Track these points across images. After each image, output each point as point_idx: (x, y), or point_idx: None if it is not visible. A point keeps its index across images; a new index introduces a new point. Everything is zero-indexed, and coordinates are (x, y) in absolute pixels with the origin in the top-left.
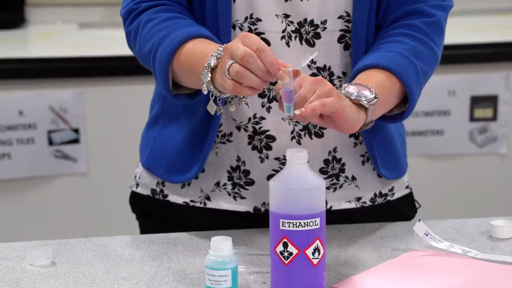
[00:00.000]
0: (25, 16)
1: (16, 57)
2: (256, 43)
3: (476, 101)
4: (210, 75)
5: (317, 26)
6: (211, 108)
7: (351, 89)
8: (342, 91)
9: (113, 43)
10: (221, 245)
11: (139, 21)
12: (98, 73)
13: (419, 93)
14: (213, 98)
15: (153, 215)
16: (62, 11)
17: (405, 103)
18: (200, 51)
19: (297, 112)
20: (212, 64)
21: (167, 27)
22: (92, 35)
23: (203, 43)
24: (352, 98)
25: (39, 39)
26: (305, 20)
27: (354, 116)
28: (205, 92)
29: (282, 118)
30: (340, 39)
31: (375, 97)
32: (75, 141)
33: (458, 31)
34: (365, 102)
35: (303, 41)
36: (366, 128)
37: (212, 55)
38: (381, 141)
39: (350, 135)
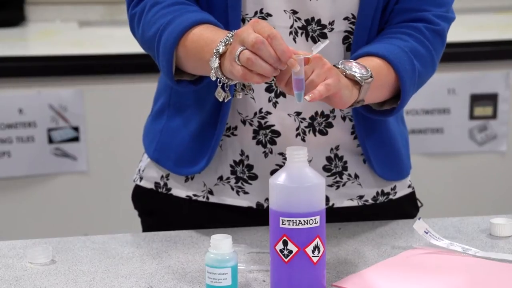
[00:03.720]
0: (25, 14)
1: (16, 55)
2: (267, 30)
3: (476, 99)
4: (218, 61)
5: (324, 26)
6: (219, 94)
7: (349, 64)
8: (339, 66)
9: (113, 41)
10: (221, 243)
11: (144, 4)
12: (98, 71)
13: (412, 91)
14: (221, 84)
15: (156, 211)
16: (61, 9)
17: (397, 100)
18: (208, 37)
19: (307, 98)
20: (220, 51)
21: (174, 11)
22: (91, 33)
23: (210, 29)
24: (348, 73)
25: (39, 37)
26: (313, 18)
27: (348, 94)
28: (213, 79)
29: (288, 114)
30: (344, 40)
31: (371, 76)
32: (75, 139)
33: (458, 29)
34: (359, 78)
35: (309, 38)
36: (356, 106)
37: (221, 41)
38: (378, 143)
39: (355, 137)
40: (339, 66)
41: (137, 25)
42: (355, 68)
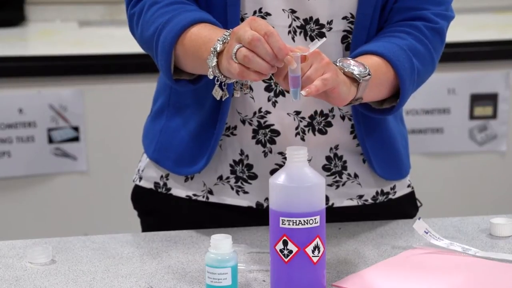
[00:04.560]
0: (25, 14)
1: (16, 55)
2: (264, 27)
3: (476, 99)
4: (216, 59)
5: (322, 26)
6: (217, 93)
7: (347, 62)
8: (337, 63)
9: (113, 41)
10: (221, 243)
11: (143, 4)
12: (98, 71)
13: (411, 89)
14: (219, 83)
15: (155, 211)
16: (62, 9)
17: (396, 99)
18: (206, 36)
19: (303, 93)
20: (218, 49)
21: (172, 10)
22: (91, 33)
23: (208, 28)
24: (346, 70)
25: (39, 37)
26: (311, 18)
27: (346, 91)
28: (211, 77)
29: (287, 113)
30: (342, 40)
31: (369, 74)
32: (75, 139)
33: (458, 29)
34: (357, 76)
35: (307, 38)
36: (354, 103)
37: (218, 40)
38: (377, 142)
39: (354, 137)
40: (337, 64)
41: (136, 25)
42: (353, 66)
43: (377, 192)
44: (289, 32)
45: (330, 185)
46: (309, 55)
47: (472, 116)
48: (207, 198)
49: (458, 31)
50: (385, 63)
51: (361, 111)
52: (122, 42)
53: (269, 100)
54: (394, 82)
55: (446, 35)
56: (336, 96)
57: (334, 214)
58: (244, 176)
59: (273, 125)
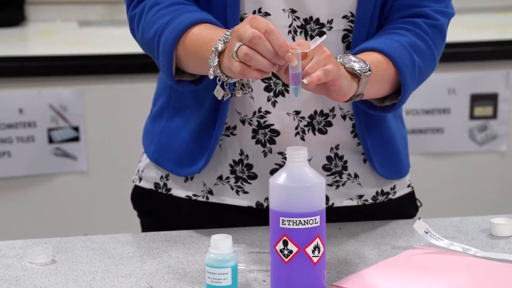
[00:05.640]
0: (25, 14)
1: (16, 55)
2: (264, 25)
3: (476, 99)
4: (217, 59)
5: (322, 25)
6: (218, 93)
7: (348, 58)
8: (338, 59)
9: (113, 41)
10: (221, 243)
11: (144, 5)
12: (98, 71)
13: (412, 86)
14: (220, 83)
15: (155, 211)
16: (62, 9)
17: (397, 96)
18: (207, 36)
19: (305, 81)
20: (219, 49)
21: (173, 11)
22: (92, 33)
23: (209, 28)
24: (347, 66)
25: (39, 37)
26: (311, 17)
27: (347, 85)
28: (212, 77)
29: (287, 113)
30: (343, 39)
31: (370, 70)
32: (75, 139)
33: (458, 29)
34: (358, 71)
35: (308, 37)
36: (355, 99)
37: (220, 40)
38: (378, 141)
39: (354, 136)
40: (338, 60)
41: (137, 26)
42: (354, 62)
43: (377, 192)
44: (290, 32)
45: (330, 185)
46: (309, 54)
47: (472, 116)
48: (207, 198)
49: (458, 31)
50: (386, 60)
51: (362, 108)
52: (122, 42)
53: (268, 100)
54: (395, 79)
55: (446, 32)
56: (337, 89)
57: (334, 214)
58: (244, 176)
59: (272, 125)
